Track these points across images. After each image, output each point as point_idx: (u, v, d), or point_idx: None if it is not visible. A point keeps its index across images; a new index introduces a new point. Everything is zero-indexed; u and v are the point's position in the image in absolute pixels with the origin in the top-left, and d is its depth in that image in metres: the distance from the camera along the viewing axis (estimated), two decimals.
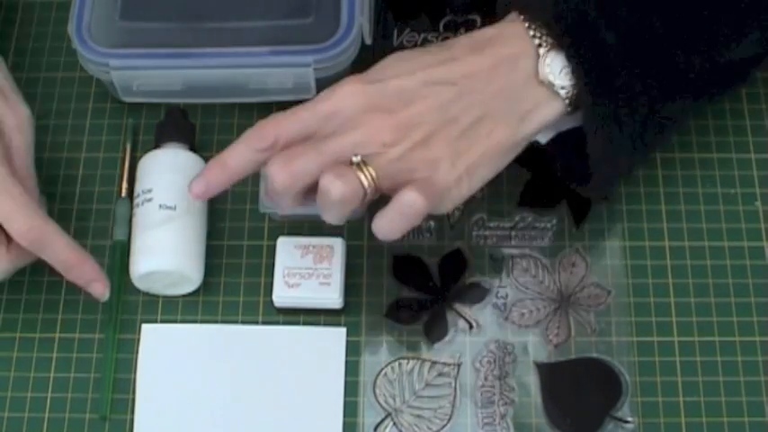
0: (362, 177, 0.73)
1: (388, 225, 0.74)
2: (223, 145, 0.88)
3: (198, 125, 0.90)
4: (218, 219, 0.87)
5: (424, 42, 0.90)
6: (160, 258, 0.82)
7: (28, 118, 0.82)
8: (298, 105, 0.77)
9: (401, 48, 0.89)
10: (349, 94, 0.75)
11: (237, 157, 0.77)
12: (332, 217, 0.75)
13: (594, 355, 0.81)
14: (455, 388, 0.81)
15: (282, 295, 0.82)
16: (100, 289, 0.81)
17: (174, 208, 0.83)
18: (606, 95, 0.75)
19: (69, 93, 0.92)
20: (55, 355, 0.83)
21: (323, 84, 0.86)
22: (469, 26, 0.91)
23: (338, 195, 0.72)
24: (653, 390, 0.80)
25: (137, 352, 0.83)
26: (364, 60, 0.87)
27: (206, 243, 0.85)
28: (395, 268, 0.85)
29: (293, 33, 0.86)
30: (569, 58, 0.75)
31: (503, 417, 0.79)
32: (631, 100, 0.76)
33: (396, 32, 0.91)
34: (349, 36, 0.85)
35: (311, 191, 0.75)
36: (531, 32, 0.76)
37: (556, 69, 0.75)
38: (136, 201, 0.84)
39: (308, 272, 0.82)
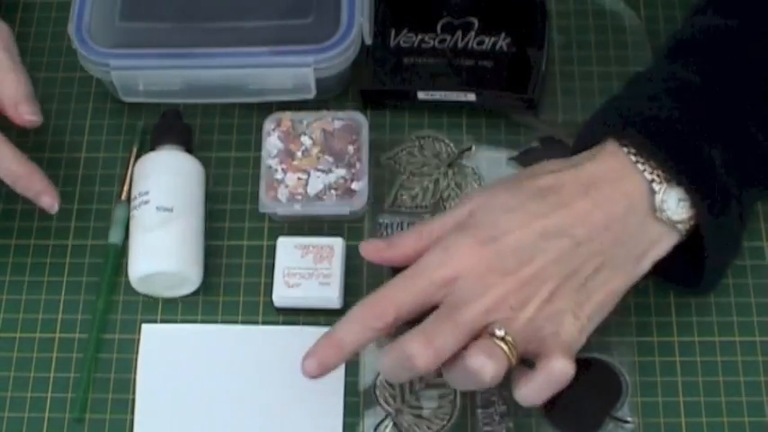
0: (507, 350, 0.71)
1: (537, 394, 0.72)
2: (223, 145, 0.89)
3: (198, 125, 0.90)
4: (218, 219, 0.86)
5: (421, 44, 0.90)
6: (158, 260, 0.82)
7: (8, 30, 0.84)
8: (403, 271, 0.74)
9: (398, 49, 0.89)
10: (466, 257, 0.72)
11: (353, 337, 0.73)
12: (468, 387, 0.74)
13: (594, 355, 0.81)
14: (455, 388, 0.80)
15: (282, 295, 0.82)
16: (48, 201, 0.82)
17: (172, 210, 0.82)
18: (724, 215, 0.73)
19: (69, 93, 0.92)
20: (55, 355, 0.83)
21: (323, 84, 0.86)
22: (467, 28, 0.90)
23: (491, 375, 0.70)
24: (653, 390, 0.80)
25: (137, 352, 0.82)
26: (364, 60, 0.88)
27: (204, 243, 0.85)
28: (395, 268, 0.84)
29: (293, 33, 0.86)
30: (688, 191, 0.72)
31: (503, 417, 0.79)
32: (742, 212, 0.74)
33: (393, 33, 0.91)
34: (349, 36, 0.85)
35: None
36: (641, 167, 0.73)
37: (672, 204, 0.72)
38: (133, 203, 0.84)
39: (308, 272, 0.82)
